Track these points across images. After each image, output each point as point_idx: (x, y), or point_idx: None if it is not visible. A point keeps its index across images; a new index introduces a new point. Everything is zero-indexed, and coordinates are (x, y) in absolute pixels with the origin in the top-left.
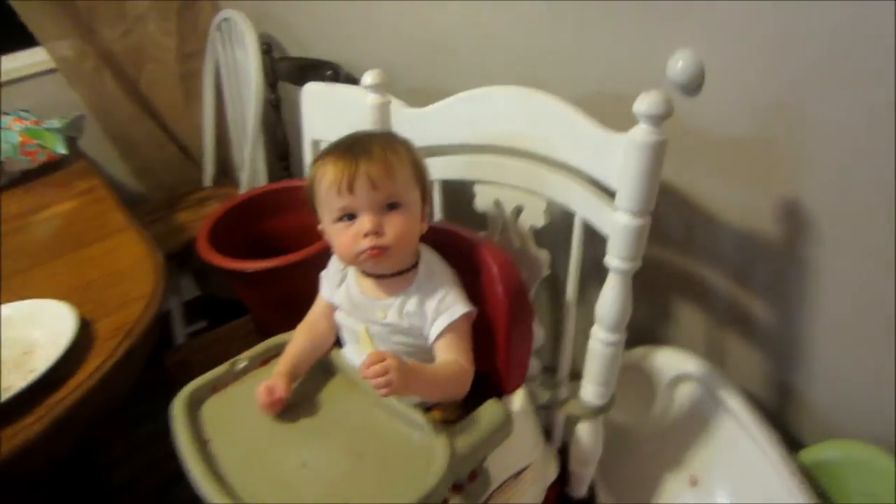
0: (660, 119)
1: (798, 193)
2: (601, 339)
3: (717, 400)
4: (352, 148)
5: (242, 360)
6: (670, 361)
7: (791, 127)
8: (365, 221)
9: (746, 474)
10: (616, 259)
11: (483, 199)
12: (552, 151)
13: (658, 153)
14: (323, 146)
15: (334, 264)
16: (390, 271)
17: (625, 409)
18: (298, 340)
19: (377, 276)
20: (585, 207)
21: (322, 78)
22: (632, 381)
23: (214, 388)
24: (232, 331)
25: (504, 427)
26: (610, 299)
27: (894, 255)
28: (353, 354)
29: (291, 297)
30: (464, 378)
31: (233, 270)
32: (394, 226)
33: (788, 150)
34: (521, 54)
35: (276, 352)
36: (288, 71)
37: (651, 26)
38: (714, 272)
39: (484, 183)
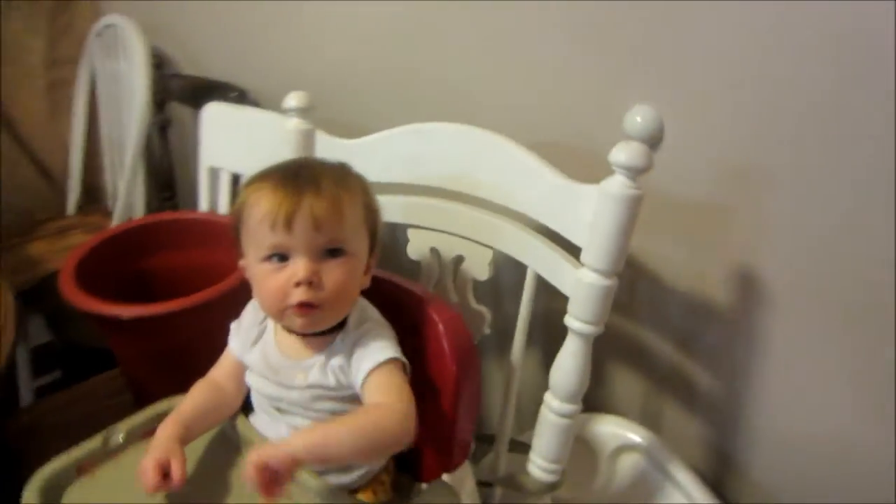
0: (639, 171)
1: (753, 261)
2: (555, 410)
3: (663, 471)
4: (297, 176)
5: (118, 432)
6: (613, 430)
7: (752, 193)
8: (299, 267)
9: None
10: (577, 322)
11: (417, 246)
12: (504, 199)
13: (635, 208)
14: (222, 174)
15: (250, 316)
16: (318, 330)
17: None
18: (195, 398)
19: (301, 334)
20: (542, 263)
21: (225, 100)
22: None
23: (80, 468)
24: (95, 387)
25: None
26: (568, 366)
27: (845, 327)
28: (266, 425)
29: (179, 350)
30: (399, 420)
31: (105, 317)
32: (333, 277)
33: (747, 217)
34: (462, 94)
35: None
36: (181, 90)
37: (611, 78)
38: (657, 336)
39: (420, 228)
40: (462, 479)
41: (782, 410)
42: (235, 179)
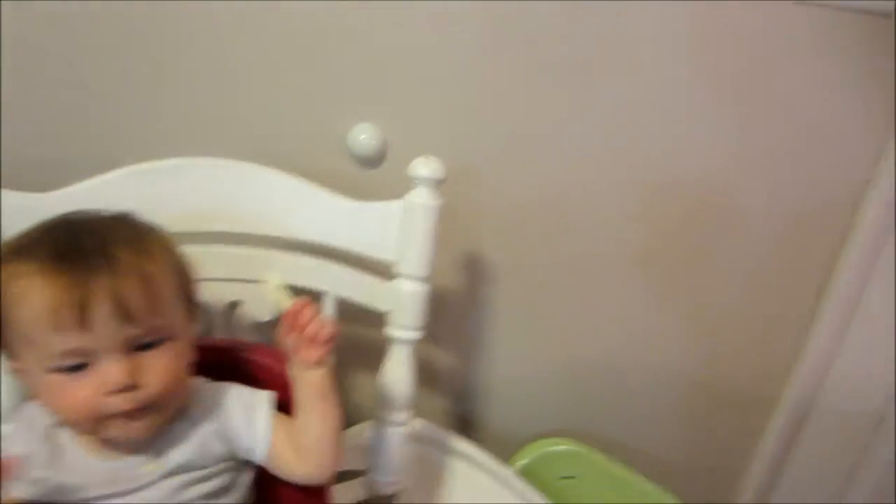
0: (439, 183)
1: (477, 248)
2: (392, 421)
3: (443, 450)
4: (76, 246)
5: None
6: None
7: (469, 190)
8: (111, 370)
9: None
10: (403, 330)
11: None
12: (279, 230)
13: (439, 216)
14: None
15: (24, 436)
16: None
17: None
18: None
19: None
20: (344, 285)
21: None
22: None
23: None
24: None
25: None
26: (399, 374)
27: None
28: None
29: None
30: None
31: None
32: (157, 371)
33: (468, 211)
34: (173, 122)
35: None
36: None
37: (330, 100)
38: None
39: None
40: None
41: (503, 366)
42: None
